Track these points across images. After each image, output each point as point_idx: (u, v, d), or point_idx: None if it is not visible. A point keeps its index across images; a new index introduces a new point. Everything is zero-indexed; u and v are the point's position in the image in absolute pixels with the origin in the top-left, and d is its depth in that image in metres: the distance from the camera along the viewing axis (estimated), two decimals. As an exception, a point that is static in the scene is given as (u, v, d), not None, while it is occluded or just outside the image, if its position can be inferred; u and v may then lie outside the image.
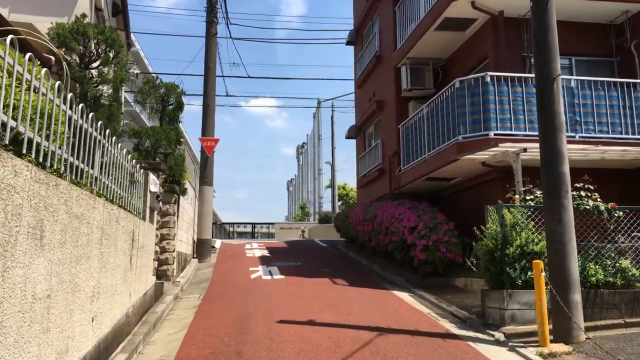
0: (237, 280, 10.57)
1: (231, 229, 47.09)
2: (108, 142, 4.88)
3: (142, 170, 6.75)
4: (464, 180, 11.74)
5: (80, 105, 4.08)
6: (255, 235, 43.84)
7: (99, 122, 4.55)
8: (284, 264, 12.86)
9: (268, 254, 15.17)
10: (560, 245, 6.42)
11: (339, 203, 34.19)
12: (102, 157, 4.71)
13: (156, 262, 7.89)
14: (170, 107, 10.76)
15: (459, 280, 10.10)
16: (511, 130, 9.70)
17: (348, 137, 17.29)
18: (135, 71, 15.80)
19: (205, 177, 14.10)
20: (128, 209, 5.91)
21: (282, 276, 10.98)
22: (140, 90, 10.84)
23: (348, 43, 18.45)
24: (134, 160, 6.26)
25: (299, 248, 17.58)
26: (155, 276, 8.10)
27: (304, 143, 75.27)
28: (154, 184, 7.34)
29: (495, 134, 9.58)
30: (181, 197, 10.75)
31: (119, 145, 5.48)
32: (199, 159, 14.82)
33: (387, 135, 14.37)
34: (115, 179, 5.30)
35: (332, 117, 35.12)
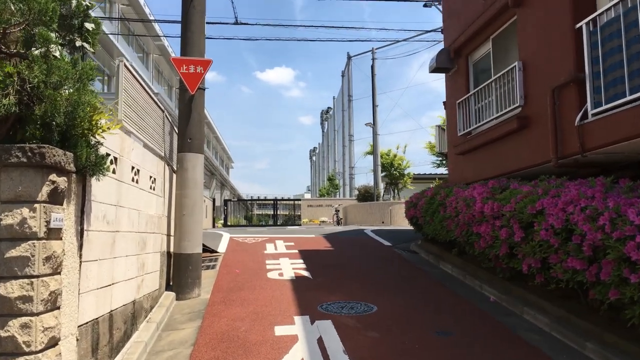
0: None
1: (250, 203, 42.40)
2: None
3: None
4: None
5: None
6: (277, 206, 38.44)
7: None
8: (345, 311, 6.27)
9: (306, 272, 8.62)
10: None
11: (382, 174, 27.41)
12: None
13: None
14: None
15: None
16: None
17: (435, 69, 10.34)
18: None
19: (187, 135, 7.37)
20: None
21: (359, 373, 4.41)
22: None
23: None
24: None
25: (353, 253, 10.96)
26: None
27: (328, 108, 68.48)
28: None
29: None
30: (95, 182, 4.11)
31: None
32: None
33: (541, 51, 7.41)
34: None
35: (372, 67, 27.92)
